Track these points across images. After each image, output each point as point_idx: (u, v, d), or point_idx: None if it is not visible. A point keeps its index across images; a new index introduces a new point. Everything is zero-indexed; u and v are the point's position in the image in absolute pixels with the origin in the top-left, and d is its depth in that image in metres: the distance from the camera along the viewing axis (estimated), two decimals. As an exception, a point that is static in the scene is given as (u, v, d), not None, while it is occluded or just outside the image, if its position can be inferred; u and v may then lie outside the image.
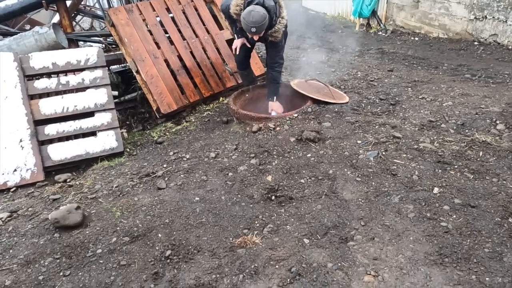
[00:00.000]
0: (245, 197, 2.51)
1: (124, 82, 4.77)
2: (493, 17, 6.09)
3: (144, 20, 4.18)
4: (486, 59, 5.32)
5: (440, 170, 2.58)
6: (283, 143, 3.05)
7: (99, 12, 7.21)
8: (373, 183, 2.53)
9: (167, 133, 3.79)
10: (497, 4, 5.97)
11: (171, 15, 4.41)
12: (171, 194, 2.58)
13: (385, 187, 2.48)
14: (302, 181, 2.62)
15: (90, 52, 3.44)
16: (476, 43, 6.30)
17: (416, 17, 7.63)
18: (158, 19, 4.31)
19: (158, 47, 4.17)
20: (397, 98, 3.78)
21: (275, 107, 3.67)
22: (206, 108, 4.27)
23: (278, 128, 3.29)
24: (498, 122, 3.08)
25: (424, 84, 4.23)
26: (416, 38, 7.13)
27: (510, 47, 5.76)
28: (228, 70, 4.60)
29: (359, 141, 3.00)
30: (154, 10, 4.26)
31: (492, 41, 6.21)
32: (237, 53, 3.77)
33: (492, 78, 4.32)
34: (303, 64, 5.58)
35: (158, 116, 4.07)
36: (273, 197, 2.48)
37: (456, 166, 2.60)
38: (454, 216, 2.19)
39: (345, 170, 2.69)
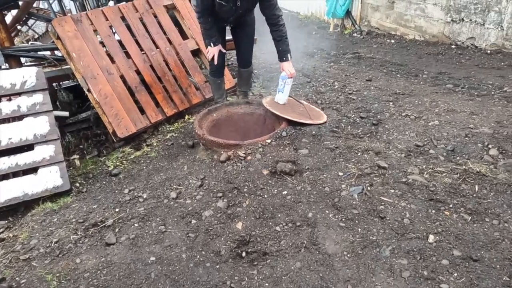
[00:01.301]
0: (211, 253, 2.11)
1: (77, 98, 4.26)
2: (470, 20, 5.89)
3: (95, 31, 3.69)
4: (466, 66, 5.10)
5: (433, 211, 2.26)
6: (255, 177, 2.67)
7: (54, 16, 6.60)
8: (359, 229, 2.19)
9: (124, 162, 3.33)
10: (474, 7, 5.77)
11: (126, 23, 3.93)
12: (121, 252, 2.15)
13: (373, 235, 2.14)
14: (278, 228, 2.24)
15: (27, 74, 2.94)
16: (453, 46, 6.10)
17: (392, 18, 7.39)
18: (112, 29, 3.82)
19: (113, 62, 3.69)
20: (379, 116, 3.46)
21: (289, 68, 3.38)
22: (170, 129, 3.83)
23: (249, 157, 2.90)
24: (490, 146, 2.80)
25: (406, 97, 3.94)
26: (393, 41, 6.89)
27: (488, 51, 5.58)
28: (194, 83, 4.17)
29: (340, 173, 2.65)
30: (106, 19, 3.77)
31: (469, 44, 6.02)
32: (215, 61, 3.51)
33: (476, 90, 4.08)
34: (276, 72, 5.19)
35: (115, 140, 3.60)
36: (243, 253, 2.09)
37: (451, 205, 2.29)
38: (456, 275, 1.87)
39: (327, 211, 2.33)
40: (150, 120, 3.73)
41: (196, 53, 4.35)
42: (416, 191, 2.42)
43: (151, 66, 3.90)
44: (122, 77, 3.70)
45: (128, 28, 3.90)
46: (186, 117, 4.00)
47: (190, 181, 2.79)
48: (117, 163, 3.32)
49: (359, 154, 2.86)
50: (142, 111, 3.74)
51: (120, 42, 3.82)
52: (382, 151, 2.89)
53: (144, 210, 2.51)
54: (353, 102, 3.90)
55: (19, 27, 6.53)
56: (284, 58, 3.40)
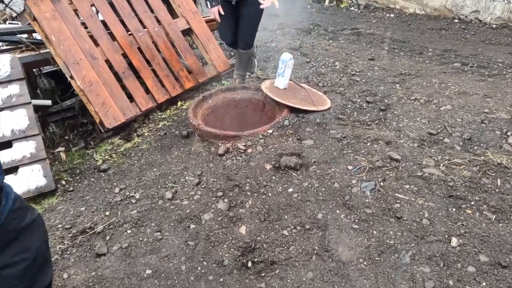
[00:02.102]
0: (213, 264, 1.91)
1: (60, 84, 3.94)
2: (476, -8, 5.60)
3: (75, 10, 3.35)
4: (472, 42, 4.86)
5: (454, 209, 2.08)
6: (257, 173, 2.45)
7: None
8: (374, 231, 2.00)
9: (114, 155, 3.08)
10: (481, -22, 5.47)
11: (110, 1, 3.58)
12: (114, 265, 1.94)
13: (391, 238, 1.95)
14: (285, 232, 2.04)
15: (0, 62, 2.63)
16: (456, 20, 5.83)
17: (391, -9, 7.05)
18: (94, 9, 3.48)
19: (97, 45, 3.38)
20: (386, 101, 3.23)
21: (267, 1, 3.24)
22: (162, 116, 3.56)
23: (249, 150, 2.68)
24: (509, 133, 2.60)
25: (412, 78, 3.70)
26: (392, 15, 6.58)
27: (493, 25, 5.33)
28: (186, 66, 3.87)
29: (350, 167, 2.45)
30: (88, -3, 3.42)
31: (473, 18, 5.75)
32: (219, 20, 3.41)
33: (485, 69, 3.85)
34: (273, 52, 4.91)
35: (102, 131, 3.34)
36: (249, 263, 1.90)
37: (472, 203, 2.10)
38: (484, 284, 1.70)
39: (337, 211, 2.14)
40: (140, 108, 3.46)
41: (187, 33, 4.04)
42: (434, 187, 2.23)
43: (139, 48, 3.59)
44: (107, 61, 3.39)
45: (112, 7, 3.56)
46: (179, 103, 3.73)
47: (187, 178, 2.56)
48: (106, 157, 3.07)
49: (368, 144, 2.65)
50: (131, 98, 3.46)
51: (104, 23, 3.49)
52: (393, 140, 2.68)
53: (137, 213, 2.29)
54: (357, 84, 3.65)
55: (-5, 5, 6.08)
56: None
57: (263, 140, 2.73)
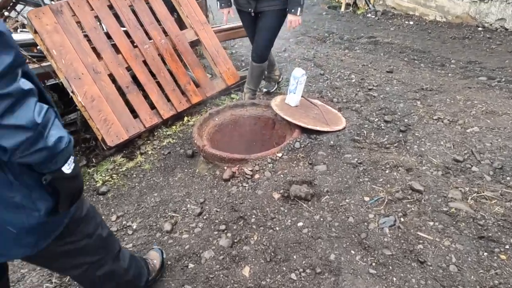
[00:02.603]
0: (212, 314, 1.71)
1: (64, 96, 3.81)
2: (501, -1, 5.29)
3: (78, 23, 3.21)
4: (498, 53, 4.56)
5: (485, 253, 1.83)
6: (264, 203, 2.25)
7: (46, 0, 6.08)
8: (394, 278, 1.77)
9: (115, 176, 2.92)
10: (507, -16, 5.16)
11: (114, 12, 3.43)
12: (102, 310, 1.76)
13: (413, 287, 1.72)
14: (293, 276, 1.83)
15: None
16: (480, 29, 5.52)
17: (410, -2, 6.77)
18: (97, 21, 3.34)
19: (100, 58, 3.23)
20: (406, 120, 2.99)
21: (292, 20, 3.06)
22: (167, 133, 3.39)
23: (256, 176, 2.47)
24: (546, 162, 2.34)
25: (435, 94, 3.44)
26: (411, 22, 6.30)
27: (521, 35, 5.01)
28: (193, 80, 3.70)
29: (366, 198, 2.22)
30: (91, 8, 3.28)
31: (498, 26, 5.44)
32: (226, 23, 3.53)
33: (515, 84, 3.57)
34: (285, 62, 4.71)
35: (105, 148, 3.18)
36: (252, 314, 1.70)
37: (507, 246, 1.85)
38: None
39: (352, 252, 1.91)
40: (144, 124, 3.30)
41: (196, 44, 3.87)
42: (461, 225, 1.99)
43: (144, 61, 3.43)
44: (111, 75, 3.24)
45: (117, 18, 3.41)
46: (185, 118, 3.56)
47: (188, 206, 2.37)
48: (107, 177, 2.91)
49: (387, 171, 2.42)
50: (134, 113, 3.30)
51: (107, 35, 3.35)
52: (414, 167, 2.44)
53: (133, 247, 2.11)
54: (374, 100, 3.42)
55: (6, 13, 6.02)
56: (292, 10, 2.98)
57: (271, 164, 2.53)
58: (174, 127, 3.47)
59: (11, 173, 0.99)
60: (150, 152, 3.15)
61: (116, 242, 1.52)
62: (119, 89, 3.28)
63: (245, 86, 3.66)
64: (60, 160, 1.02)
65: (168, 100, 3.48)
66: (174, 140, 3.27)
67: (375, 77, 3.99)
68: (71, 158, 1.06)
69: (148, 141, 3.33)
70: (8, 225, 1.04)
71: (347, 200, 2.22)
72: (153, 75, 3.46)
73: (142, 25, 3.51)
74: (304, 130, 2.79)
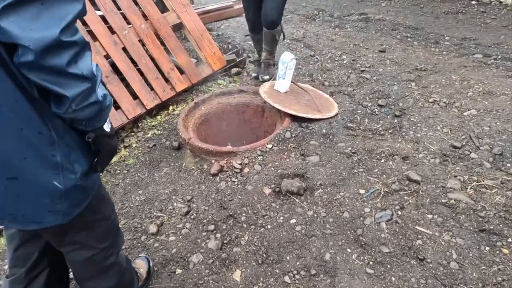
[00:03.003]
0: (201, 324, 1.61)
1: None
2: (496, -29, 5.11)
3: (50, 9, 2.98)
4: (493, 28, 4.41)
5: (487, 248, 1.75)
6: (254, 199, 2.13)
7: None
8: (393, 278, 1.68)
9: (97, 172, 2.77)
10: (502, -46, 4.96)
11: (91, -3, 3.20)
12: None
13: (413, 287, 1.64)
14: (287, 279, 1.73)
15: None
16: (474, 2, 5.35)
17: (402, -29, 6.52)
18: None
19: (76, 47, 3.02)
20: (401, 104, 2.86)
21: None
22: (152, 124, 3.24)
23: (246, 170, 2.35)
24: (547, 146, 2.24)
25: (429, 74, 3.31)
26: (403, -3, 6.09)
27: (516, 8, 4.86)
28: (177, 66, 3.51)
29: (362, 191, 2.12)
30: (64, -7, 3.04)
31: (493, -1, 5.27)
32: None
33: (512, 61, 3.45)
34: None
35: (86, 142, 3.02)
36: (244, 323, 1.60)
37: (509, 239, 1.77)
38: None
39: (348, 250, 1.82)
40: (127, 115, 3.13)
41: (178, 28, 3.66)
42: (461, 217, 1.90)
43: (124, 48, 3.23)
44: (88, 65, 3.05)
45: (92, 3, 3.18)
46: (171, 107, 3.39)
47: (175, 204, 2.25)
48: (89, 174, 2.76)
49: (382, 161, 2.31)
50: (116, 104, 3.13)
51: (82, 21, 3.13)
52: (411, 155, 2.33)
53: (117, 252, 1.99)
54: (367, 82, 3.28)
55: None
56: None
57: (261, 157, 2.40)
58: (159, 117, 3.31)
59: (55, 131, 0.99)
60: (134, 145, 3.00)
61: (123, 236, 1.53)
62: (98, 79, 3.08)
63: (263, 47, 3.49)
64: (104, 118, 1.07)
65: (152, 88, 3.31)
66: (159, 131, 3.12)
67: (367, 57, 3.83)
68: (109, 118, 1.12)
69: (132, 133, 3.17)
70: (46, 187, 1.02)
71: (341, 194, 2.11)
72: (134, 63, 3.27)
73: (120, 10, 3.29)
74: (295, 118, 2.66)
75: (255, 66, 3.79)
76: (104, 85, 3.07)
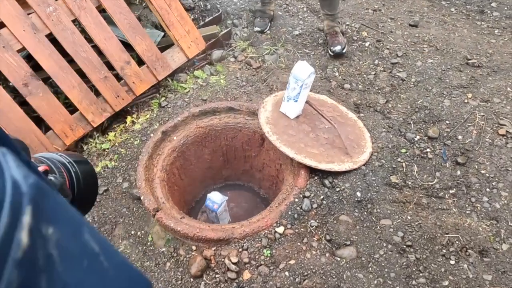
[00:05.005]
0: None
1: None
2: None
3: None
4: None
5: None
6: None
7: None
8: None
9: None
10: None
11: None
12: None
13: None
14: None
15: None
16: None
17: None
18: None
19: (-32, 41, 1.91)
20: (460, 137, 2.01)
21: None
22: (102, 147, 2.27)
23: (247, 275, 1.53)
24: None
25: (486, 75, 2.41)
26: None
27: None
28: (133, 56, 2.44)
29: (428, 328, 1.37)
30: None
31: None
32: None
33: None
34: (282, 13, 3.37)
35: None
36: None
37: None
38: None
39: None
40: (64, 141, 2.15)
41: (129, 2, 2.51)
42: None
43: (50, 36, 2.13)
44: (-6, 68, 1.97)
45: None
46: (129, 118, 2.41)
47: None
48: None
49: (452, 261, 1.53)
50: (45, 127, 2.13)
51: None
52: (491, 247, 1.56)
53: None
54: (404, 88, 2.36)
55: None
56: None
57: (269, 250, 1.57)
58: (111, 134, 2.33)
59: None
60: (77, 188, 2.07)
61: None
62: (13, 90, 2.04)
63: (321, 13, 2.76)
64: None
65: (98, 94, 2.28)
66: (113, 163, 2.18)
67: (396, 35, 2.84)
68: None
69: (74, 163, 2.21)
70: None
71: (397, 332, 1.36)
72: (69, 60, 2.19)
73: (37, -28, 2.10)
74: (313, 169, 1.78)
75: (258, 18, 2.98)
76: (24, 98, 2.03)
